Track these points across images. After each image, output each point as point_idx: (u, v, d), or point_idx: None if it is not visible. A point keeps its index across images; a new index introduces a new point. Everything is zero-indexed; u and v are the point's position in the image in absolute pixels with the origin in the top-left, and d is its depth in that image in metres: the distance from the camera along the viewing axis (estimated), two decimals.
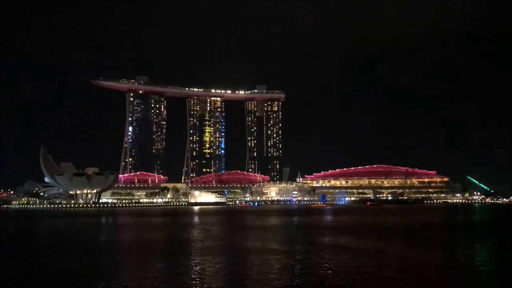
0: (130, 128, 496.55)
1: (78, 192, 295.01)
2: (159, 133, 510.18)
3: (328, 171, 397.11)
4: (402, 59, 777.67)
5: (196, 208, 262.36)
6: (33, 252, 55.26)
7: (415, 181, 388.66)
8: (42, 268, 41.40)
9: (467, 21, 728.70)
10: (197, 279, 35.14)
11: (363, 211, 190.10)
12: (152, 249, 56.39)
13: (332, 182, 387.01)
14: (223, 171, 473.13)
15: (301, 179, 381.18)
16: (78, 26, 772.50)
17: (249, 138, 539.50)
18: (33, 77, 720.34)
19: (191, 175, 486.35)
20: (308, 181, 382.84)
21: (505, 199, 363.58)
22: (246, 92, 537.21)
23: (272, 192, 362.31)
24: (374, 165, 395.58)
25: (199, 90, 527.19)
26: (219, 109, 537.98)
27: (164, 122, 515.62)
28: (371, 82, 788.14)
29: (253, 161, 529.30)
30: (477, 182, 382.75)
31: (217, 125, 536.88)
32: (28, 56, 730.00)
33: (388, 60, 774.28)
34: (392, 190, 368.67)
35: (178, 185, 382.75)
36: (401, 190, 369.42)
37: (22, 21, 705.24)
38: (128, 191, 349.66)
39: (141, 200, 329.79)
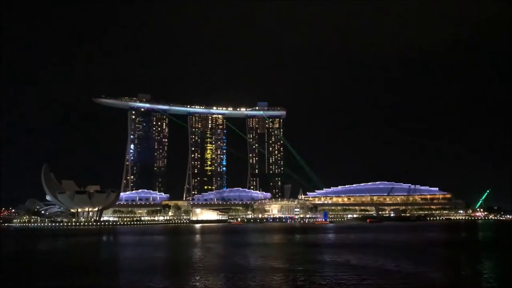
0: (132, 146, 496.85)
1: (79, 210, 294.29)
2: (160, 151, 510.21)
3: (330, 188, 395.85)
4: (405, 74, 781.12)
5: (198, 226, 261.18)
6: (33, 272, 54.92)
7: (417, 197, 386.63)
8: None
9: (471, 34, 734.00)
10: None
11: (363, 228, 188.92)
12: (153, 268, 56.00)
13: (334, 199, 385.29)
14: (225, 189, 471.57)
15: (303, 196, 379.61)
16: (79, 43, 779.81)
17: (250, 155, 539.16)
18: (35, 94, 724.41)
19: (193, 192, 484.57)
20: (310, 198, 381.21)
21: (508, 216, 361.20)
22: (248, 109, 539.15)
23: (274, 209, 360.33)
24: (376, 182, 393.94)
25: (201, 107, 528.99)
26: (220, 126, 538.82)
27: (166, 140, 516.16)
28: (373, 99, 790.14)
29: (254, 178, 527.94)
30: (481, 199, 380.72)
31: (219, 142, 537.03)
32: (30, 72, 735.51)
33: (392, 75, 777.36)
34: (395, 207, 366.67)
35: (180, 202, 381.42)
36: (403, 207, 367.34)
37: (23, 36, 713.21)
38: (129, 209, 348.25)
39: (142, 218, 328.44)
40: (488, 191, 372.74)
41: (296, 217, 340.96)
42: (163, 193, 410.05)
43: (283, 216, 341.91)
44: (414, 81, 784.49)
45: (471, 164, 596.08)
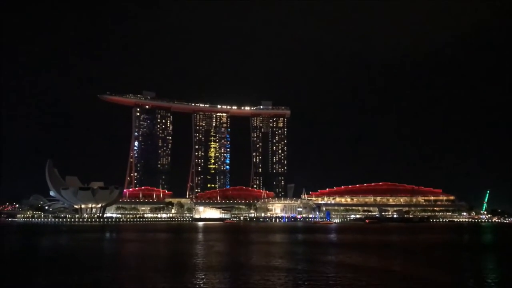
0: (136, 143, 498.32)
1: (83, 206, 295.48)
2: (164, 148, 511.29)
3: (333, 188, 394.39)
4: (408, 76, 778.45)
5: (201, 224, 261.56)
6: (36, 268, 55.21)
7: (420, 199, 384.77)
8: (45, 284, 41.37)
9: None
10: None
11: (361, 229, 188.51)
12: (155, 265, 56.23)
13: (337, 199, 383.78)
14: (228, 187, 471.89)
15: (306, 195, 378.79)
16: (85, 41, 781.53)
17: (254, 154, 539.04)
18: (39, 91, 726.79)
19: (196, 190, 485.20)
20: (313, 198, 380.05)
21: None
22: (252, 108, 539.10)
23: (277, 208, 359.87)
24: (380, 183, 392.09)
25: (205, 105, 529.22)
26: (224, 125, 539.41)
27: (170, 137, 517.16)
28: (377, 99, 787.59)
29: (258, 177, 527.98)
30: (485, 202, 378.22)
31: (223, 141, 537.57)
32: (34, 69, 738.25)
33: (395, 77, 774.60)
34: (398, 208, 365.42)
35: (183, 200, 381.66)
36: (406, 208, 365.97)
37: (28, 33, 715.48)
38: (132, 205, 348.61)
39: (145, 215, 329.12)
40: (488, 192, 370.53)
41: (299, 216, 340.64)
42: (166, 191, 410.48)
43: (286, 215, 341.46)
44: (418, 83, 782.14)
45: (475, 166, 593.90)
